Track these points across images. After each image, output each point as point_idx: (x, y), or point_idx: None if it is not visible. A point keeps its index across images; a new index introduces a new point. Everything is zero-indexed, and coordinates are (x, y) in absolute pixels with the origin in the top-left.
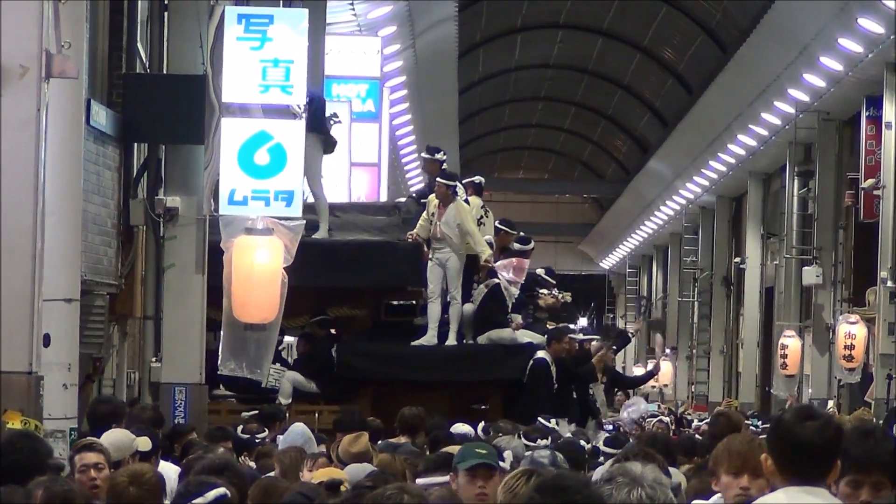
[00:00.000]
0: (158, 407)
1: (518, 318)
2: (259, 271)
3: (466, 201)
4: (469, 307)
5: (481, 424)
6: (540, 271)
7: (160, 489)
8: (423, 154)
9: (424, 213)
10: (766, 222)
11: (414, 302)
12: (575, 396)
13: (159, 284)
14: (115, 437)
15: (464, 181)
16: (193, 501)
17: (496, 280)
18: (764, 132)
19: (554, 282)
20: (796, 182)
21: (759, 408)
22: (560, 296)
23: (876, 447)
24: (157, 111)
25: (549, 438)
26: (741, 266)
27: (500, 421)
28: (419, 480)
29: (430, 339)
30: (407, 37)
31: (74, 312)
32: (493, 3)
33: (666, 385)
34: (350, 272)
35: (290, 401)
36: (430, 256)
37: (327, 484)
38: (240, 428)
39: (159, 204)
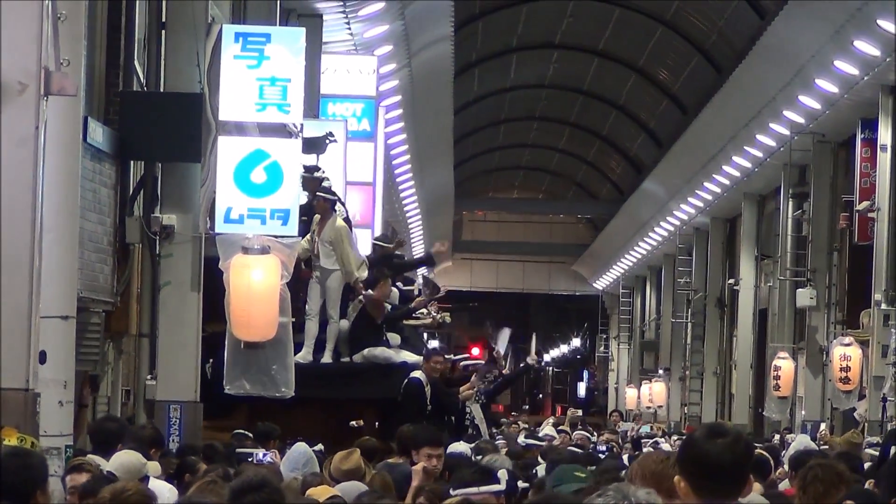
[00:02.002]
0: (154, 425)
1: (395, 338)
2: (256, 290)
3: (347, 220)
4: (346, 324)
5: (469, 446)
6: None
7: None
8: (302, 174)
9: (308, 234)
10: (760, 244)
11: (293, 319)
12: (453, 418)
13: (155, 302)
14: (125, 460)
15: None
16: None
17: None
18: (759, 154)
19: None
20: (791, 204)
21: (752, 430)
22: (439, 316)
23: None
24: (153, 129)
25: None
26: (735, 287)
27: (481, 441)
28: (458, 492)
29: (305, 356)
30: (403, 56)
31: (70, 329)
32: (489, 22)
33: (660, 406)
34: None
35: None
36: (312, 275)
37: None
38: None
39: (155, 222)
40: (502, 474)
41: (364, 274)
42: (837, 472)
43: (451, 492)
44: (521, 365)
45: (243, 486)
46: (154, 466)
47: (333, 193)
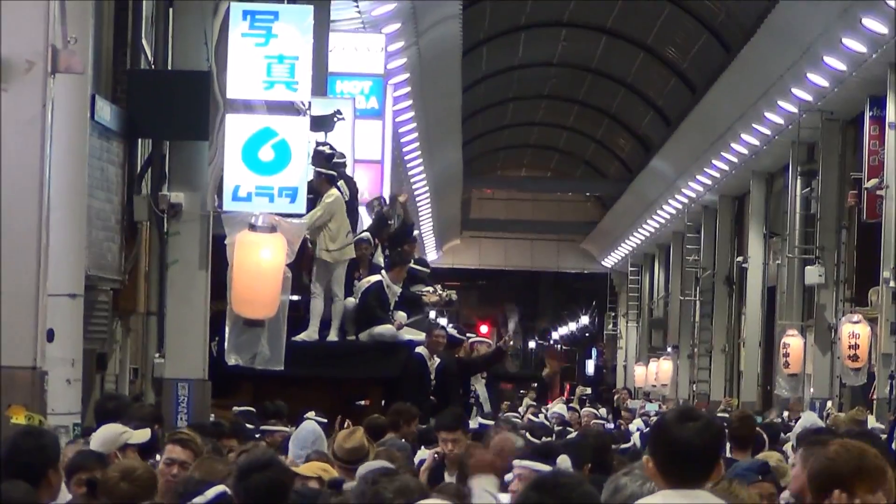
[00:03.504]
0: (160, 403)
1: (401, 316)
2: (263, 268)
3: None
4: (352, 302)
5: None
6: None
7: (153, 485)
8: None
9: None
10: (768, 222)
11: (298, 297)
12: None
13: (163, 280)
14: (101, 434)
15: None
16: (193, 500)
17: (378, 277)
18: (767, 131)
19: (428, 269)
20: (799, 181)
21: (761, 407)
22: (444, 294)
23: None
24: (161, 107)
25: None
26: (743, 265)
27: (501, 420)
28: (518, 462)
29: (311, 334)
30: (411, 34)
31: (78, 308)
32: (497, 1)
33: (664, 384)
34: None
35: None
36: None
37: (331, 482)
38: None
39: (163, 200)
40: (563, 459)
41: (350, 254)
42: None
43: (516, 462)
44: (493, 349)
45: (250, 465)
46: (141, 433)
47: (332, 168)
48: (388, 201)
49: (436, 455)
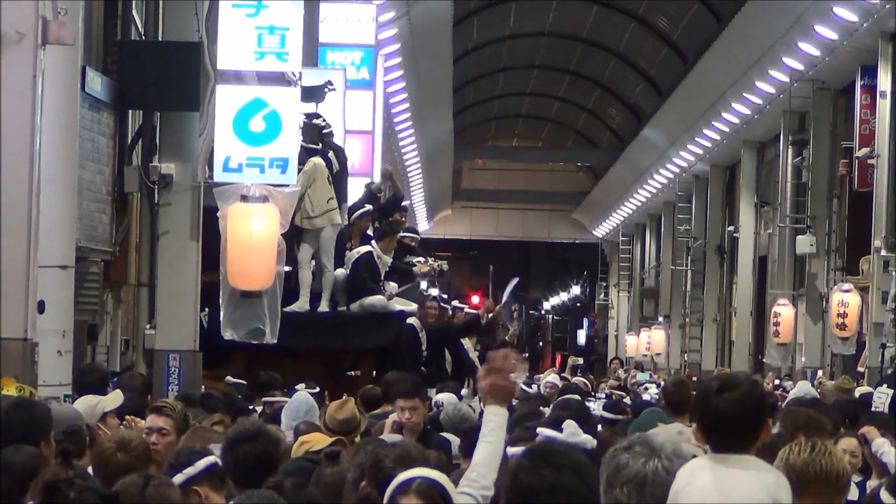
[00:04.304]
0: (151, 374)
1: (392, 286)
2: (256, 239)
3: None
4: (342, 272)
5: (465, 391)
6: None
7: (149, 455)
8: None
9: None
10: (759, 191)
11: (290, 268)
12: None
13: (153, 251)
14: (78, 406)
15: None
16: (184, 471)
17: (368, 248)
18: (758, 101)
19: (418, 236)
20: (790, 151)
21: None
22: (436, 264)
23: None
24: (152, 78)
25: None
26: (735, 235)
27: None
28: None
29: (301, 304)
30: (402, 4)
31: (69, 279)
32: None
33: (659, 353)
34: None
35: None
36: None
37: (327, 453)
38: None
39: (154, 171)
40: (568, 425)
41: (336, 219)
42: (809, 418)
43: (538, 430)
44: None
45: (239, 436)
46: (114, 397)
47: (318, 141)
48: (384, 174)
49: (394, 424)
